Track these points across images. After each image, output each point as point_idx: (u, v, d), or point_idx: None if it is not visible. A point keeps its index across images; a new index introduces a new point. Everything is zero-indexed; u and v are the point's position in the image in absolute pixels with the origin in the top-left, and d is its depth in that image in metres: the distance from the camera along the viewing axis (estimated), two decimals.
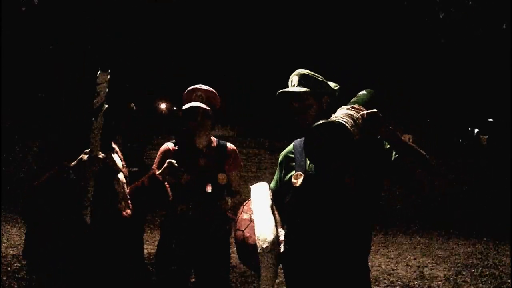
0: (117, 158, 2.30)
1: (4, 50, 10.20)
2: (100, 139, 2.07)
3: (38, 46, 11.38)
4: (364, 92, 2.31)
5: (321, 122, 1.97)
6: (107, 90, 2.02)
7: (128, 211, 2.21)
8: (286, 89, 2.33)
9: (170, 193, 2.39)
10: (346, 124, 1.95)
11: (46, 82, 11.34)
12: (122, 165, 2.33)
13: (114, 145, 2.35)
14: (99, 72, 2.00)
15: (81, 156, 2.01)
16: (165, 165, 2.45)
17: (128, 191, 2.28)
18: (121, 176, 2.25)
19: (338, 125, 1.94)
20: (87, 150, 2.02)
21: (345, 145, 1.95)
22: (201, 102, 2.81)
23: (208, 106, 2.81)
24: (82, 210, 2.00)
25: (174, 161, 2.46)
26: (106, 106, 2.01)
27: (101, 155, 2.02)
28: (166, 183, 2.38)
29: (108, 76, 2.01)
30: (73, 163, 2.02)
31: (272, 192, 2.48)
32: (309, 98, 2.31)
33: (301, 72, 2.35)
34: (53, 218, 2.05)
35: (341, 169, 2.15)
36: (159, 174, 2.38)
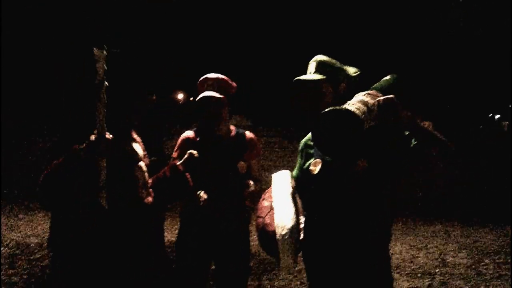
0: (138, 147, 2.30)
1: (4, 50, 10.32)
2: (115, 124, 2.08)
3: (38, 46, 11.47)
4: (388, 77, 2.27)
5: (329, 109, 1.94)
6: (106, 68, 1.98)
7: (150, 198, 2.22)
8: (301, 77, 2.32)
9: (191, 184, 2.39)
10: (357, 111, 1.91)
11: (47, 81, 11.46)
12: (144, 155, 2.33)
13: (135, 135, 2.36)
14: (95, 50, 1.96)
15: (90, 137, 2.01)
16: (186, 156, 2.45)
17: (150, 181, 2.29)
18: (142, 164, 2.26)
19: (346, 112, 1.91)
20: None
21: (353, 132, 1.91)
22: (212, 91, 2.80)
23: (220, 94, 2.80)
24: (97, 192, 2.00)
25: (195, 152, 2.45)
26: (107, 84, 1.99)
27: (108, 135, 2.01)
28: (187, 173, 2.38)
29: (105, 53, 1.97)
30: (82, 146, 2.02)
31: (294, 180, 2.48)
32: (324, 86, 2.29)
33: (318, 59, 2.34)
34: (70, 203, 2.07)
35: (351, 156, 2.12)
36: (180, 164, 2.38)
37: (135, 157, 2.24)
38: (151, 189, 2.26)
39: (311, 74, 2.32)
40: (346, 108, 1.92)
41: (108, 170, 2.05)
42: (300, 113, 2.34)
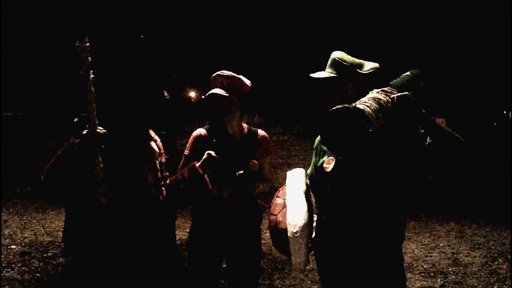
0: (154, 146, 2.30)
1: (4, 50, 10.39)
2: (122, 120, 2.07)
3: (38, 45, 11.53)
4: (407, 73, 2.25)
5: (335, 108, 1.92)
6: (90, 59, 1.95)
7: (160, 197, 2.21)
8: (313, 74, 2.34)
9: (210, 186, 2.39)
10: (367, 108, 1.88)
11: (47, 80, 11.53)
12: (160, 153, 2.33)
13: (152, 133, 2.36)
14: (77, 41, 1.92)
15: (83, 131, 1.97)
16: (204, 156, 2.43)
17: (168, 181, 2.29)
18: (156, 163, 2.25)
19: (353, 110, 1.88)
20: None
21: (360, 130, 1.89)
22: (222, 88, 2.79)
23: (230, 92, 2.79)
24: (94, 188, 1.97)
25: (213, 153, 2.44)
26: (93, 75, 1.95)
27: (101, 130, 1.97)
28: (206, 175, 2.37)
29: (87, 44, 1.93)
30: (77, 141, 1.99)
31: (308, 178, 2.47)
32: (334, 84, 2.29)
33: (333, 56, 2.34)
34: (73, 199, 2.06)
35: (358, 154, 2.10)
36: (199, 166, 2.37)
37: (147, 154, 2.23)
38: (163, 188, 2.25)
39: (325, 71, 2.33)
40: (356, 106, 1.90)
41: (114, 167, 2.03)
42: (315, 110, 2.34)
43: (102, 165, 1.98)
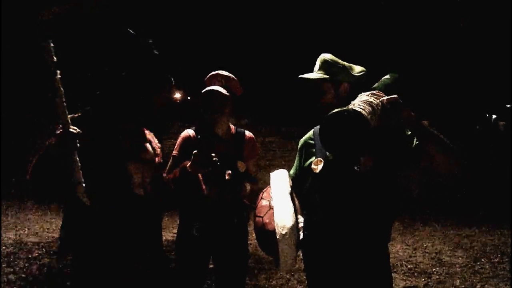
0: (148, 146, 2.30)
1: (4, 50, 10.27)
2: (106, 120, 2.04)
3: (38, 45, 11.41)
4: (387, 76, 2.27)
5: (336, 110, 1.93)
6: (55, 59, 1.93)
7: (143, 194, 2.20)
8: (303, 75, 2.34)
9: (203, 186, 2.39)
10: (363, 112, 1.91)
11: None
12: (156, 153, 2.33)
13: (148, 135, 2.36)
14: (41, 44, 1.91)
15: (56, 132, 1.96)
16: (193, 157, 2.44)
17: (161, 181, 2.29)
18: (146, 163, 2.25)
19: (354, 113, 1.90)
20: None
21: (361, 133, 1.92)
22: (220, 86, 2.81)
23: (227, 92, 2.81)
24: (73, 188, 1.96)
25: (196, 151, 2.44)
26: (59, 76, 1.94)
27: (75, 130, 1.95)
28: (199, 174, 2.38)
29: (51, 44, 1.92)
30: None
31: (291, 179, 2.49)
32: (326, 85, 2.30)
33: (323, 58, 2.35)
34: (56, 198, 2.06)
35: (357, 156, 2.14)
36: (189, 167, 2.38)
37: (135, 155, 2.23)
38: (149, 187, 2.25)
39: (315, 72, 2.33)
40: (354, 109, 1.93)
41: (98, 167, 2.02)
42: (305, 111, 2.36)
43: (80, 164, 1.96)
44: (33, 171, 2.01)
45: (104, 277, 2.09)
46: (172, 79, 2.29)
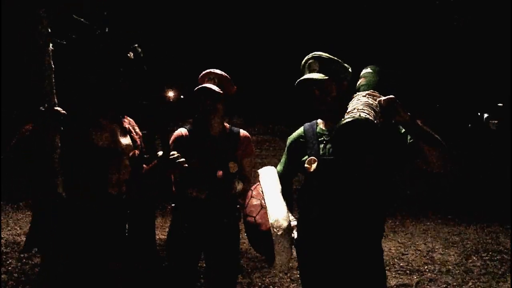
0: (127, 140, 2.26)
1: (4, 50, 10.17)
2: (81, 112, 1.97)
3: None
4: (369, 70, 2.25)
5: (349, 120, 1.96)
6: (49, 30, 1.85)
7: (115, 192, 2.16)
8: (309, 77, 2.27)
9: (173, 186, 2.35)
10: (370, 117, 1.95)
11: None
12: (136, 145, 2.30)
13: (128, 124, 2.32)
14: (37, 11, 1.82)
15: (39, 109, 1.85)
16: (159, 158, 2.35)
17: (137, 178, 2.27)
18: (123, 161, 2.21)
19: (366, 121, 1.94)
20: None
21: (372, 139, 1.96)
22: (213, 84, 2.81)
23: (220, 90, 2.81)
24: (50, 176, 1.87)
25: (175, 153, 2.34)
26: (52, 48, 1.85)
27: (60, 110, 1.86)
28: (172, 176, 2.34)
29: (45, 14, 1.83)
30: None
31: (279, 176, 2.48)
32: (330, 84, 2.28)
33: (322, 56, 2.31)
34: (30, 190, 2.02)
35: (364, 157, 2.14)
36: (159, 168, 2.32)
37: (114, 155, 2.19)
38: (125, 186, 2.21)
39: (315, 72, 2.28)
40: (366, 118, 1.95)
41: (73, 162, 1.98)
42: (305, 111, 2.34)
43: (59, 150, 1.88)
44: (10, 152, 1.91)
45: (73, 276, 2.05)
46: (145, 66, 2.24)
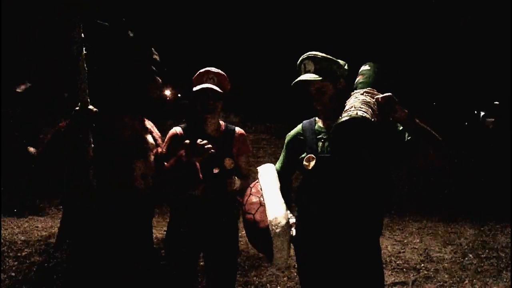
0: (150, 138, 2.32)
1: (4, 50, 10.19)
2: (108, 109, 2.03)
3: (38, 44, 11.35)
4: (367, 67, 2.27)
5: (346, 118, 1.98)
6: (82, 35, 1.94)
7: (143, 188, 2.22)
8: (303, 78, 2.29)
9: (201, 175, 2.40)
10: (367, 116, 1.96)
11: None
12: (157, 144, 2.35)
13: (148, 125, 2.38)
14: (69, 17, 1.92)
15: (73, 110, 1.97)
16: (185, 146, 2.38)
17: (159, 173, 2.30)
18: (149, 157, 2.27)
19: (363, 119, 1.95)
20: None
21: (369, 137, 1.98)
22: (212, 84, 2.81)
23: (220, 90, 2.81)
24: (84, 169, 1.97)
25: (188, 141, 2.38)
26: (85, 52, 1.95)
27: (93, 108, 1.97)
28: (196, 163, 2.38)
29: (79, 21, 1.94)
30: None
31: (278, 173, 2.49)
32: (326, 84, 2.29)
33: (317, 57, 2.31)
34: (62, 187, 2.06)
35: (363, 154, 2.16)
36: (185, 157, 2.36)
37: (142, 150, 2.24)
38: (151, 181, 2.26)
39: (311, 72, 2.29)
40: (363, 116, 1.96)
41: (99, 159, 2.03)
42: (302, 110, 2.35)
43: (93, 145, 1.99)
44: (44, 150, 2.02)
45: (99, 273, 2.09)
46: (155, 68, 2.29)
